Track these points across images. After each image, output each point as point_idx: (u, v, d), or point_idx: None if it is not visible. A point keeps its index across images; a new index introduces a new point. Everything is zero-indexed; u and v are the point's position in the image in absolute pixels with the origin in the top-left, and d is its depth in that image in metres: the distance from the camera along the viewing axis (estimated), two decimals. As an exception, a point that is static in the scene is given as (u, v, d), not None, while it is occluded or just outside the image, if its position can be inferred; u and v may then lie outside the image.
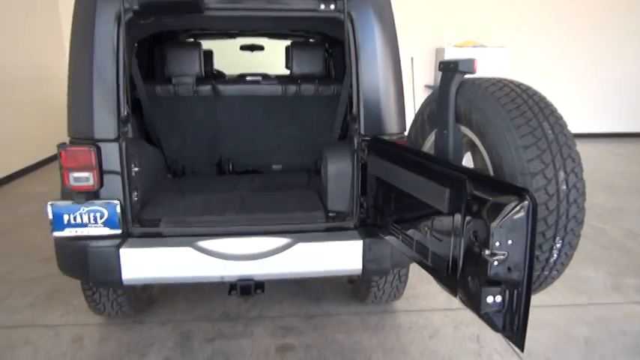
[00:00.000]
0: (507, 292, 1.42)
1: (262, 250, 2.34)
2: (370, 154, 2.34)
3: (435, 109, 2.03)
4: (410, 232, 2.01)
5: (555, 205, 1.54)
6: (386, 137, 2.44)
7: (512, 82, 1.78)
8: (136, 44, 2.98)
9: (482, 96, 1.74)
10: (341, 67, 3.75)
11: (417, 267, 2.69)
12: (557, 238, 1.58)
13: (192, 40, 4.12)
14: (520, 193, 1.37)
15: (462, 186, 1.57)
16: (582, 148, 1.71)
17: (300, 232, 2.41)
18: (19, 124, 6.32)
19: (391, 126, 2.49)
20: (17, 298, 3.26)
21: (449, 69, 1.88)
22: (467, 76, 1.88)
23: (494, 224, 1.36)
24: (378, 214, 2.33)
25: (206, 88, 3.40)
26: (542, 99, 1.68)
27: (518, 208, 1.35)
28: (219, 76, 4.19)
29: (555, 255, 1.61)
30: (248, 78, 3.73)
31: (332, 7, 2.40)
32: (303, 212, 2.58)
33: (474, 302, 1.50)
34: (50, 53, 7.31)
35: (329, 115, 3.28)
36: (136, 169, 2.47)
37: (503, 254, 1.37)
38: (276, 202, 2.76)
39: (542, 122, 1.59)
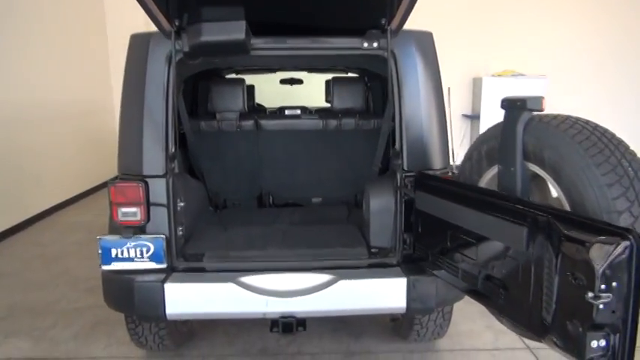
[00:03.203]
0: (612, 336, 1.36)
1: (304, 286, 2.31)
2: (419, 189, 2.31)
3: (495, 146, 1.98)
4: (473, 269, 1.93)
5: None
6: (430, 172, 2.41)
7: (579, 118, 1.76)
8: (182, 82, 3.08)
9: (553, 134, 1.71)
10: (380, 101, 3.75)
11: (461, 304, 2.61)
12: None
13: (234, 75, 4.23)
14: (623, 234, 1.31)
15: (550, 225, 1.51)
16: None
17: (343, 269, 2.38)
18: (66, 156, 6.60)
19: (435, 161, 2.47)
20: (62, 329, 3.33)
21: (515, 107, 1.85)
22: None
23: (599, 267, 1.31)
24: (429, 250, 2.26)
25: (249, 123, 3.45)
26: (614, 136, 1.66)
27: (623, 249, 1.30)
28: (261, 110, 4.26)
29: None
30: (287, 112, 3.78)
31: (375, 44, 2.43)
32: (345, 247, 2.56)
33: (575, 347, 1.43)
34: (98, 89, 7.67)
35: (369, 149, 3.27)
36: (182, 204, 2.52)
37: (608, 297, 1.32)
38: (317, 237, 2.74)
39: (621, 159, 1.57)
